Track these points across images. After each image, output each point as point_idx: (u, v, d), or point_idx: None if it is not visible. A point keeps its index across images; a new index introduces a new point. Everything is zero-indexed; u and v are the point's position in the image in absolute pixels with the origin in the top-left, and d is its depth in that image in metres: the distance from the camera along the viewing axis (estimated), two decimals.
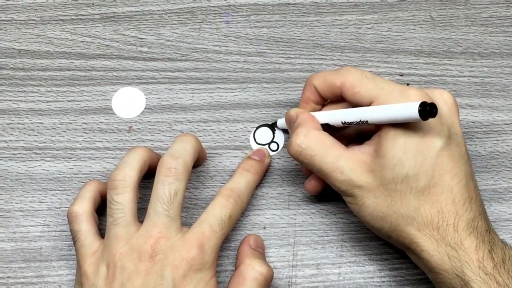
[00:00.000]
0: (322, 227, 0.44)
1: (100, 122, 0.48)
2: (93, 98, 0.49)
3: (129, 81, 0.49)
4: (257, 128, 0.47)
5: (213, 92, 0.49)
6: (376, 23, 0.51)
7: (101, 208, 0.42)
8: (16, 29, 0.51)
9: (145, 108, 0.48)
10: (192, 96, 0.49)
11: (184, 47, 0.51)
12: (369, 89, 0.37)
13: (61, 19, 0.52)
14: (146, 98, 0.49)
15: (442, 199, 0.36)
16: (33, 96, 0.49)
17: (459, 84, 0.49)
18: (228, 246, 0.43)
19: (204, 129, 0.47)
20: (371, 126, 0.39)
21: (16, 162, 0.46)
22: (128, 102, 0.48)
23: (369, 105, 0.37)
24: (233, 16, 0.52)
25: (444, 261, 0.35)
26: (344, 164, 0.37)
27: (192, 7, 0.52)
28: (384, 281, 0.42)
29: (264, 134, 0.47)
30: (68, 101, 0.48)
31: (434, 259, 0.35)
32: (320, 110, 0.42)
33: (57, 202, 0.45)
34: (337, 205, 0.44)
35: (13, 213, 0.45)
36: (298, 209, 0.45)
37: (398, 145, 0.36)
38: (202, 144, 0.45)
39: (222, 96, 0.49)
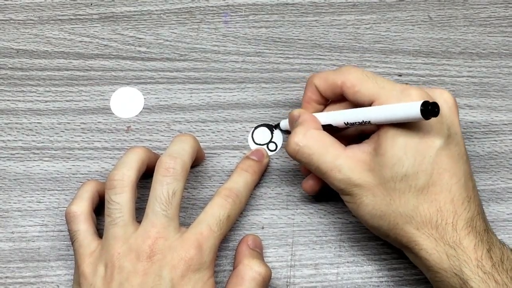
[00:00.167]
0: (320, 227, 0.44)
1: (99, 122, 0.48)
2: (91, 98, 0.49)
3: (128, 81, 0.49)
4: (256, 128, 0.47)
5: (211, 92, 0.49)
6: (374, 23, 0.52)
7: (99, 208, 0.42)
8: (14, 29, 0.51)
9: (143, 108, 0.48)
10: (191, 96, 0.49)
11: (183, 47, 0.51)
12: (370, 88, 0.37)
13: (60, 19, 0.52)
14: (144, 98, 0.49)
15: (441, 198, 0.36)
16: (31, 96, 0.49)
17: (457, 84, 0.49)
18: (226, 246, 0.43)
19: (203, 129, 0.47)
20: (372, 126, 0.39)
21: (14, 162, 0.46)
22: (127, 102, 0.48)
23: (370, 104, 0.37)
24: (231, 16, 0.52)
25: (442, 259, 0.35)
26: (343, 162, 0.37)
27: (191, 7, 0.52)
28: (383, 281, 0.42)
29: (263, 134, 0.47)
30: (67, 101, 0.48)
31: (432, 258, 0.35)
32: (322, 110, 0.42)
33: (55, 202, 0.45)
34: (336, 205, 0.44)
35: (11, 213, 0.45)
36: (296, 209, 0.45)
37: (397, 144, 0.36)
38: (201, 144, 0.45)
39: (220, 96, 0.49)
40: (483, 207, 0.38)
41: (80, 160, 0.46)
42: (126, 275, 0.36)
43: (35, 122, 0.48)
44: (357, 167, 0.37)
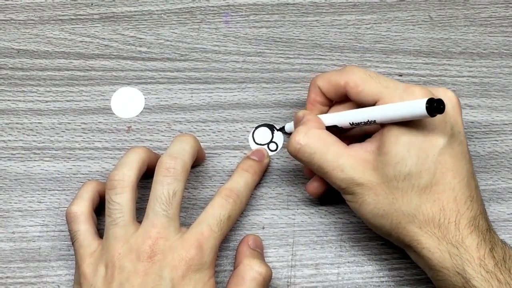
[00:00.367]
0: (321, 227, 0.44)
1: (99, 122, 0.48)
2: (92, 98, 0.49)
3: (128, 81, 0.49)
4: (256, 128, 0.47)
5: (212, 92, 0.49)
6: (375, 23, 0.51)
7: (100, 208, 0.42)
8: (15, 29, 0.51)
9: (144, 108, 0.48)
10: (191, 96, 0.49)
11: (183, 47, 0.51)
12: (373, 88, 0.37)
13: (60, 19, 0.52)
14: (145, 98, 0.49)
15: (443, 197, 0.36)
16: (32, 96, 0.49)
17: (458, 84, 0.49)
18: (227, 246, 0.43)
19: (203, 129, 0.47)
20: (375, 126, 0.39)
21: (15, 162, 0.46)
22: (127, 102, 0.48)
23: (374, 104, 0.37)
24: (232, 16, 0.52)
25: (445, 258, 0.35)
26: (345, 162, 0.37)
27: (191, 7, 0.52)
28: (383, 281, 0.42)
29: (263, 134, 0.47)
30: (67, 101, 0.48)
31: (435, 257, 0.35)
32: (327, 111, 0.42)
33: (56, 202, 0.45)
34: (336, 205, 0.44)
35: (12, 213, 0.45)
36: (297, 209, 0.45)
37: (401, 142, 0.36)
38: (201, 144, 0.45)
39: (221, 96, 0.49)
40: (484, 207, 0.38)
41: (81, 160, 0.46)
42: (127, 275, 0.36)
43: (35, 122, 0.48)
44: (359, 166, 0.37)
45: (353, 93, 0.38)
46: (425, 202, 0.36)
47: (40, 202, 0.45)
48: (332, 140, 0.38)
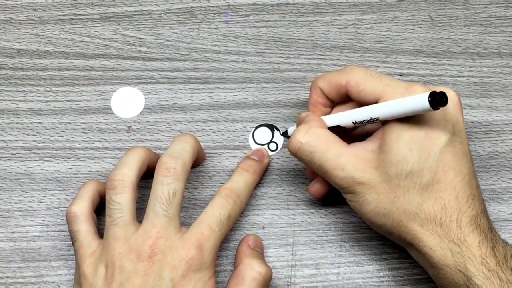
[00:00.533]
0: (321, 227, 0.44)
1: (99, 122, 0.48)
2: (92, 98, 0.49)
3: (128, 81, 0.49)
4: (256, 128, 0.47)
5: (212, 92, 0.49)
6: (375, 23, 0.51)
7: (100, 208, 0.42)
8: (15, 29, 0.51)
9: (144, 108, 0.48)
10: (191, 96, 0.49)
11: (183, 47, 0.51)
12: (374, 87, 0.37)
13: (60, 19, 0.52)
14: (145, 98, 0.49)
15: (445, 195, 0.36)
16: (32, 96, 0.49)
17: (458, 84, 0.49)
18: (227, 246, 0.43)
19: (203, 129, 0.47)
20: (375, 126, 0.39)
21: (15, 162, 0.46)
22: (127, 102, 0.48)
23: (375, 102, 0.37)
24: (232, 16, 0.52)
25: (446, 256, 0.35)
26: (345, 161, 0.37)
27: (191, 7, 0.52)
28: (383, 281, 0.42)
29: (263, 134, 0.47)
30: (67, 101, 0.48)
31: (436, 255, 0.35)
32: (329, 113, 0.42)
33: (56, 202, 0.45)
34: (336, 205, 0.44)
35: (12, 213, 0.45)
36: (297, 209, 0.45)
37: (403, 141, 0.36)
38: (201, 144, 0.45)
39: (221, 96, 0.49)
40: None
41: (81, 160, 0.46)
42: (127, 275, 0.36)
43: (36, 122, 0.48)
44: (360, 165, 0.37)
45: (354, 92, 0.38)
46: (426, 201, 0.36)
47: (40, 202, 0.45)
48: (333, 139, 0.38)
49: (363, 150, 0.37)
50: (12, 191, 0.45)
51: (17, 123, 0.48)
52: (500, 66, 0.50)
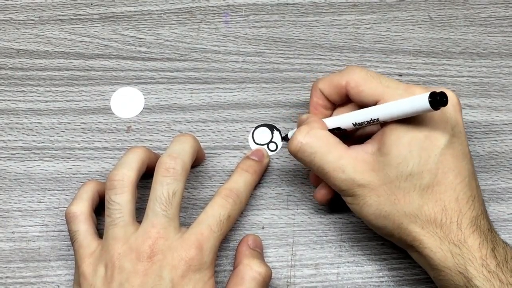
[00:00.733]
0: (321, 227, 0.44)
1: (99, 122, 0.48)
2: (91, 98, 0.49)
3: (128, 81, 0.49)
4: (256, 128, 0.47)
5: (212, 92, 0.49)
6: (375, 23, 0.51)
7: (99, 208, 0.42)
8: (15, 29, 0.51)
9: (143, 108, 0.48)
10: (191, 96, 0.49)
11: (183, 47, 0.51)
12: (374, 88, 0.37)
13: (60, 19, 0.52)
14: (145, 98, 0.49)
15: (445, 197, 0.36)
16: (32, 96, 0.49)
17: (458, 84, 0.49)
18: (226, 246, 0.43)
19: (203, 129, 0.47)
20: (376, 128, 0.39)
21: (15, 162, 0.46)
22: (127, 102, 0.48)
23: (375, 103, 0.37)
24: (232, 16, 0.52)
25: (447, 258, 0.35)
26: (346, 163, 0.37)
27: (191, 7, 0.52)
28: (383, 281, 0.42)
29: (263, 134, 0.47)
30: (67, 101, 0.48)
31: (437, 256, 0.35)
32: (330, 115, 0.42)
33: (56, 202, 0.45)
34: (336, 205, 0.44)
35: (12, 213, 0.45)
36: (297, 209, 0.45)
37: (402, 143, 0.36)
38: (201, 144, 0.45)
39: (221, 96, 0.49)
40: None
41: (81, 160, 0.46)
42: (127, 275, 0.36)
43: (35, 122, 0.48)
44: (360, 167, 0.37)
45: (354, 93, 0.38)
46: (427, 202, 0.36)
47: (39, 202, 0.45)
48: (334, 141, 0.38)
49: (363, 152, 0.37)
50: (11, 191, 0.45)
51: (16, 123, 0.48)
52: (500, 66, 0.50)
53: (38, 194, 0.45)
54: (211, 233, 0.38)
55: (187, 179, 0.39)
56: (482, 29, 0.51)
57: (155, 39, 0.51)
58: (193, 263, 0.37)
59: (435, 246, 0.35)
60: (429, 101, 0.33)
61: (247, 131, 0.47)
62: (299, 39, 0.51)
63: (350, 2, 0.52)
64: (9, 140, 0.47)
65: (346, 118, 0.39)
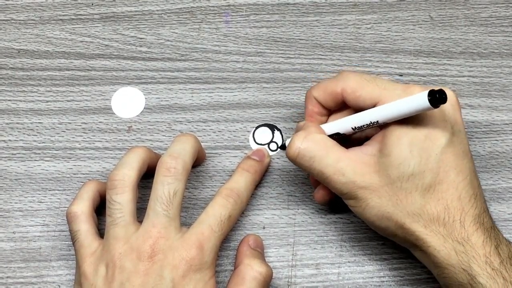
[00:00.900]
0: (322, 227, 0.44)
1: (100, 122, 0.48)
2: (92, 98, 0.49)
3: (129, 81, 0.49)
4: (257, 128, 0.47)
5: (212, 92, 0.49)
6: (375, 23, 0.51)
7: (100, 208, 0.42)
8: (16, 29, 0.51)
9: (144, 108, 0.48)
10: (192, 96, 0.49)
11: (184, 47, 0.51)
12: (371, 91, 0.37)
13: (61, 19, 0.52)
14: (145, 98, 0.49)
15: (448, 196, 0.36)
16: (33, 96, 0.49)
17: (458, 84, 0.49)
18: (227, 246, 0.43)
19: (204, 129, 0.47)
20: (374, 131, 0.39)
21: (16, 162, 0.46)
22: (128, 102, 0.48)
23: (373, 107, 0.37)
24: (232, 16, 0.52)
25: (451, 256, 0.35)
26: (345, 165, 0.37)
27: (192, 7, 0.52)
28: (384, 281, 0.42)
29: (264, 134, 0.47)
30: (68, 101, 0.48)
31: (441, 254, 0.35)
32: (326, 122, 0.42)
33: (57, 202, 0.45)
34: (337, 205, 0.44)
35: (13, 213, 0.45)
36: (298, 209, 0.45)
37: (403, 143, 0.36)
38: (202, 144, 0.45)
39: (221, 96, 0.49)
40: None
41: (81, 160, 0.46)
42: (127, 275, 0.36)
43: (36, 122, 0.48)
44: (360, 169, 0.37)
45: (351, 99, 0.38)
46: (429, 202, 0.36)
47: (40, 202, 0.45)
48: (332, 144, 0.38)
49: (362, 154, 0.37)
50: (12, 191, 0.45)
51: (17, 123, 0.48)
52: (501, 66, 0.50)
53: (39, 194, 0.45)
54: (212, 233, 0.38)
55: (188, 179, 0.39)
56: (483, 29, 0.51)
57: (155, 39, 0.51)
58: (194, 263, 0.37)
59: (439, 244, 0.35)
60: (429, 99, 0.33)
61: (248, 131, 0.47)
62: (300, 39, 0.51)
63: (350, 2, 0.52)
64: (10, 140, 0.47)
65: (345, 123, 0.39)
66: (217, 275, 0.41)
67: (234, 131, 0.47)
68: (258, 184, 0.45)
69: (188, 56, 0.50)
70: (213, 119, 0.48)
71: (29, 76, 0.49)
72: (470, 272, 0.34)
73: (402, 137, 0.36)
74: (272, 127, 0.47)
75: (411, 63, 0.50)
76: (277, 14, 0.52)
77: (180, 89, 0.49)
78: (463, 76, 0.49)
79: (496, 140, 0.47)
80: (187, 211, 0.44)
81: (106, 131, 0.47)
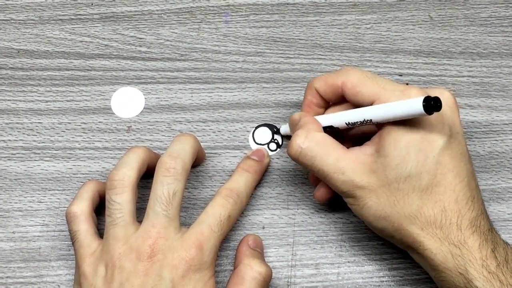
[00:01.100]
0: (321, 227, 0.44)
1: (99, 122, 0.48)
2: (92, 98, 0.49)
3: (128, 81, 0.49)
4: (256, 128, 0.47)
5: (212, 92, 0.49)
6: (375, 23, 0.52)
7: (100, 208, 0.42)
8: (15, 29, 0.51)
9: (144, 108, 0.48)
10: (191, 96, 0.49)
11: (183, 47, 0.51)
12: (371, 89, 0.37)
13: (60, 19, 0.52)
14: (145, 98, 0.49)
15: (445, 198, 0.36)
16: (32, 96, 0.49)
17: (458, 84, 0.49)
18: (227, 246, 0.43)
19: (203, 129, 0.47)
20: (374, 128, 0.39)
21: (15, 162, 0.46)
22: (127, 102, 0.48)
23: (371, 104, 0.37)
24: (232, 16, 0.52)
25: (447, 259, 0.35)
26: (345, 165, 0.37)
27: (191, 7, 0.52)
28: (383, 281, 0.42)
29: (263, 134, 0.47)
30: (67, 101, 0.48)
31: (437, 258, 0.35)
32: (322, 113, 0.42)
33: (56, 202, 0.45)
34: (336, 205, 0.44)
35: (12, 213, 0.45)
36: (297, 209, 0.45)
37: (400, 144, 0.36)
38: (201, 144, 0.45)
39: (221, 96, 0.49)
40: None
41: (81, 160, 0.46)
42: (127, 275, 0.36)
43: (36, 122, 0.48)
44: (360, 169, 0.37)
45: (350, 94, 0.38)
46: (426, 203, 0.36)
47: (40, 202, 0.45)
48: (332, 144, 0.38)
49: (361, 154, 0.37)
50: (12, 191, 0.45)
51: (17, 123, 0.48)
52: (500, 66, 0.50)
53: (39, 194, 0.45)
54: (212, 233, 0.38)
55: (187, 179, 0.39)
56: (483, 29, 0.51)
57: (155, 39, 0.51)
58: (193, 263, 0.37)
59: (435, 247, 0.35)
60: (423, 106, 0.33)
61: (248, 131, 0.47)
62: (300, 39, 0.51)
63: (350, 2, 0.52)
64: (9, 140, 0.47)
65: (340, 117, 0.39)
66: (216, 275, 0.41)
67: (233, 131, 0.47)
68: (258, 184, 0.45)
69: (187, 56, 0.50)
70: (212, 119, 0.48)
71: (28, 76, 0.49)
72: (467, 276, 0.34)
73: (399, 138, 0.36)
74: (272, 127, 0.47)
75: (410, 63, 0.50)
76: (277, 14, 0.52)
77: (179, 89, 0.49)
78: (463, 76, 0.49)
79: (496, 140, 0.47)
80: (187, 211, 0.44)
81: (105, 131, 0.47)
